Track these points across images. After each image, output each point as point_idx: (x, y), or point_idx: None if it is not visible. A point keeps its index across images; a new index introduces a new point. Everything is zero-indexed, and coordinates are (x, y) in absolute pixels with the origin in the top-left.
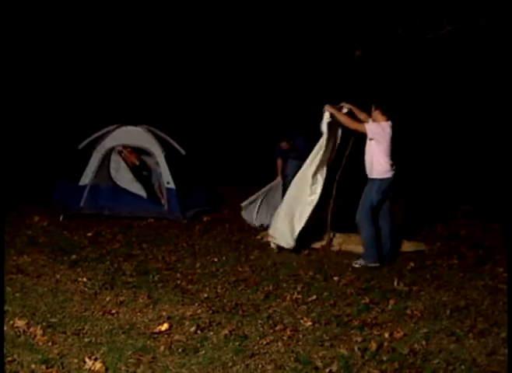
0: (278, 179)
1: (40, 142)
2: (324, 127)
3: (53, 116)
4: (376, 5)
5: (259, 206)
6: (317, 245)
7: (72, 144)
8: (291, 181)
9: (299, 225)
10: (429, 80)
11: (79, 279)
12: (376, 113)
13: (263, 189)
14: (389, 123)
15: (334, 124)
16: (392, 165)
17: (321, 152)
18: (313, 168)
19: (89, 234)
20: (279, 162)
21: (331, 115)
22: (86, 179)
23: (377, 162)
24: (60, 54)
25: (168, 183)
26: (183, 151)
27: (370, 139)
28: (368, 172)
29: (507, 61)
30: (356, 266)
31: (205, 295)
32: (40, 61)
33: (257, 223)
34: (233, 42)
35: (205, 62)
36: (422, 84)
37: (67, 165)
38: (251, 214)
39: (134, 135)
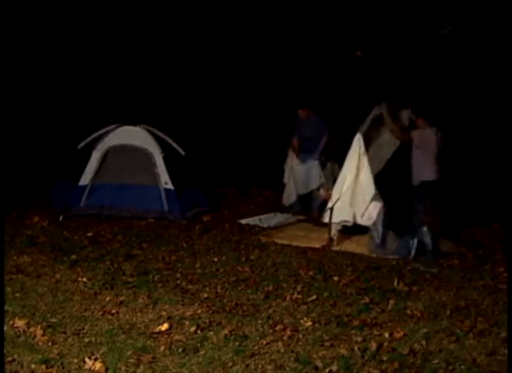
0: (296, 160)
1: (40, 142)
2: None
3: (53, 116)
4: (376, 6)
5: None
6: (317, 245)
7: (72, 144)
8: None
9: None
10: (429, 80)
11: (79, 279)
12: (420, 122)
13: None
14: (433, 129)
15: (380, 123)
16: (438, 170)
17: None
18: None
19: (89, 234)
20: (295, 141)
21: (381, 114)
22: (86, 179)
23: (422, 166)
24: (60, 54)
25: (166, 183)
26: (182, 152)
27: (416, 147)
28: (414, 178)
29: (507, 61)
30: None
31: (205, 295)
32: (40, 61)
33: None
34: (234, 42)
35: (206, 62)
36: (423, 84)
37: (67, 165)
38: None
39: (133, 135)
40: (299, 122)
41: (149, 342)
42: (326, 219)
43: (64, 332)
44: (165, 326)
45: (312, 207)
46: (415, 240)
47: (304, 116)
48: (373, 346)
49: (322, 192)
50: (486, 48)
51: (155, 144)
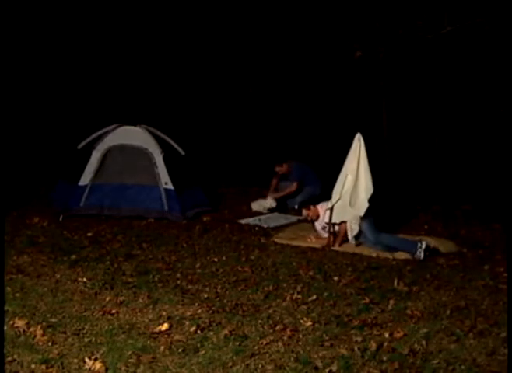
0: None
1: (40, 142)
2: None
3: (53, 116)
4: (376, 6)
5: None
6: (317, 245)
7: (72, 144)
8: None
9: None
10: (429, 80)
11: (79, 279)
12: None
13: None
14: None
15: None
16: None
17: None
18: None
19: (89, 234)
20: (274, 181)
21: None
22: (86, 179)
23: None
24: (60, 54)
25: (166, 183)
26: (182, 152)
27: None
28: None
29: (507, 61)
30: None
31: (205, 295)
32: (40, 61)
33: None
34: (234, 43)
35: (206, 63)
36: (423, 83)
37: (67, 165)
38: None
39: (133, 135)
40: (281, 176)
41: (149, 342)
42: (326, 219)
43: (64, 332)
44: (165, 326)
45: None
46: (424, 242)
47: (284, 171)
48: (373, 346)
49: (305, 212)
50: (486, 48)
51: (155, 144)
